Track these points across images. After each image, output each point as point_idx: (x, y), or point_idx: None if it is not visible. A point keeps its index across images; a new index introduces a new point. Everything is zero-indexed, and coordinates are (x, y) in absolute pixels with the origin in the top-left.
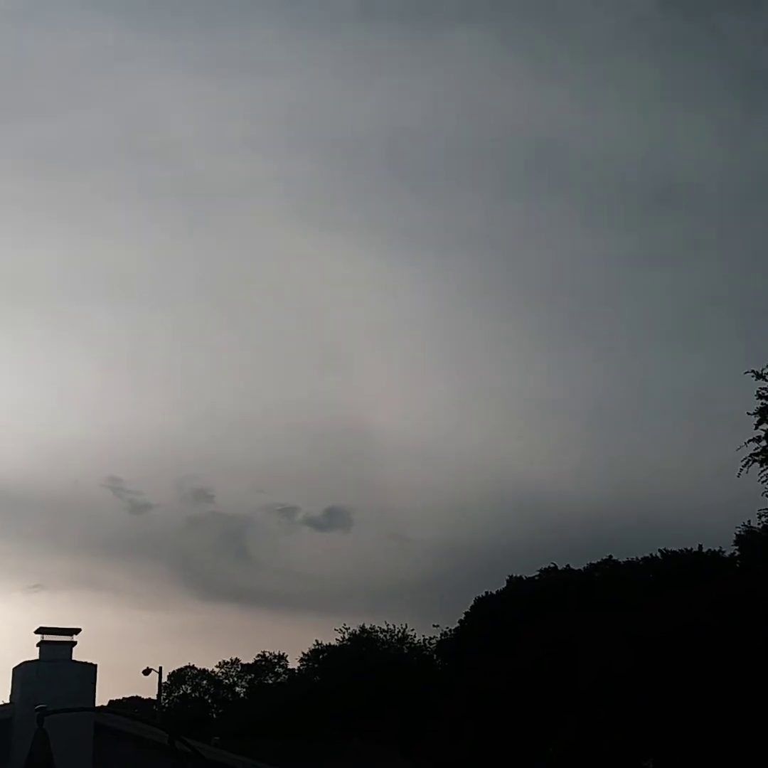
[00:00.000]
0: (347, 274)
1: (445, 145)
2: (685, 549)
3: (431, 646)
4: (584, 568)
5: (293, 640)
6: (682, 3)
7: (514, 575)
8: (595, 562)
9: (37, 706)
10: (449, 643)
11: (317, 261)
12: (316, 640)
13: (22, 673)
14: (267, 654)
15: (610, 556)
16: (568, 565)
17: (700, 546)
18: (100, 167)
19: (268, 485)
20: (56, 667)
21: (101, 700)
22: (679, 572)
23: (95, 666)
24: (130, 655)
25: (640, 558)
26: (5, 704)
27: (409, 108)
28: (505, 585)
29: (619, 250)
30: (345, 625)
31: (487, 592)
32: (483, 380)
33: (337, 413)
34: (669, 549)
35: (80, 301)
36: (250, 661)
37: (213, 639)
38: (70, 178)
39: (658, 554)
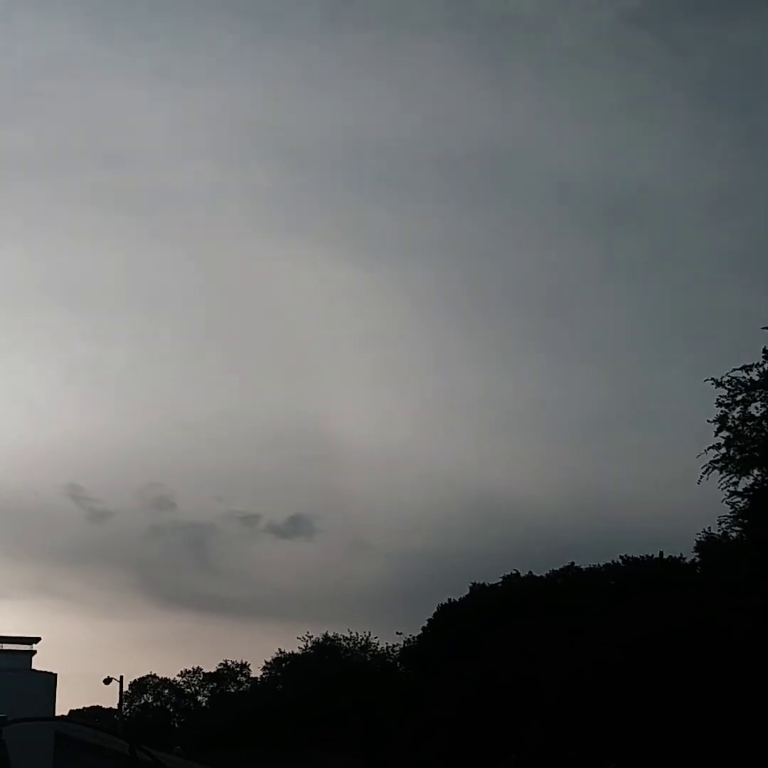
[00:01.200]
0: (312, 283)
1: (408, 156)
2: (646, 556)
3: (394, 654)
4: (547, 575)
5: (256, 649)
6: (644, 18)
7: (477, 582)
8: (557, 569)
9: None
10: (412, 650)
11: (282, 270)
12: (279, 649)
13: None
14: (229, 662)
15: (572, 563)
16: (530, 572)
17: (661, 553)
18: (62, 174)
19: (230, 493)
20: (16, 676)
21: (62, 709)
22: (640, 579)
23: (55, 675)
24: (90, 665)
25: (601, 565)
26: None
27: (373, 118)
28: (468, 592)
29: (580, 262)
30: (308, 633)
31: (450, 599)
32: (446, 390)
33: (301, 422)
34: (630, 556)
35: (40, 308)
36: (212, 670)
37: (174, 648)
38: (31, 184)
39: (620, 561)
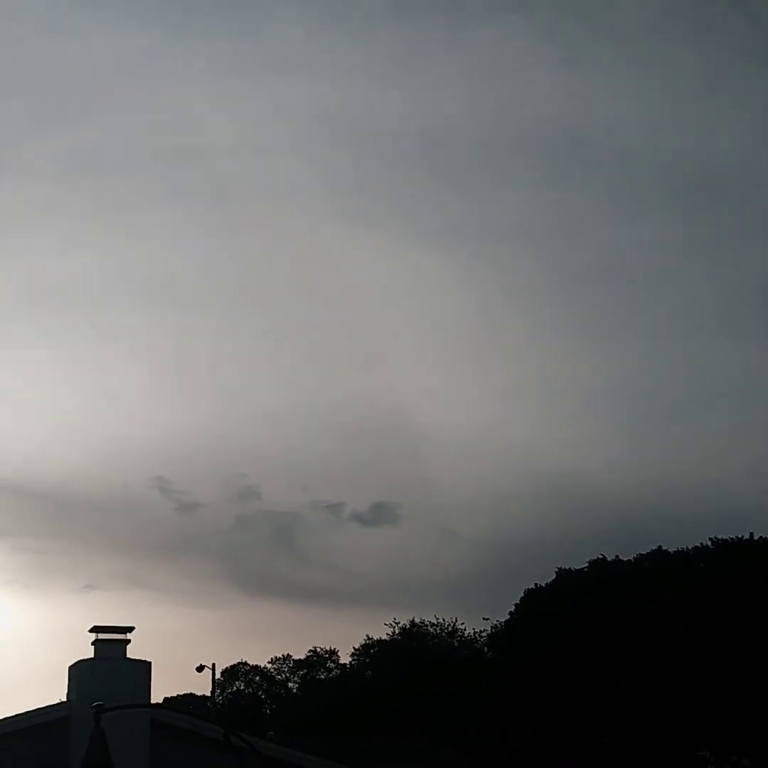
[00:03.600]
0: (386, 271)
1: (481, 140)
2: (736, 537)
3: (482, 639)
4: (634, 558)
5: (344, 635)
6: None
7: (562, 567)
8: (644, 552)
9: (94, 704)
10: (500, 635)
11: (356, 259)
12: (367, 635)
13: (77, 671)
14: (318, 649)
15: (660, 546)
16: (617, 556)
17: (751, 534)
18: (137, 172)
19: (314, 482)
20: (111, 665)
21: (156, 697)
22: (729, 561)
23: (150, 663)
24: (182, 653)
25: (689, 547)
26: (62, 702)
27: (444, 103)
28: (554, 577)
29: (660, 241)
30: (395, 619)
31: (536, 584)
32: (525, 373)
33: (380, 409)
34: (719, 537)
35: (123, 305)
36: (302, 657)
37: (264, 635)
38: (108, 184)
39: (709, 543)
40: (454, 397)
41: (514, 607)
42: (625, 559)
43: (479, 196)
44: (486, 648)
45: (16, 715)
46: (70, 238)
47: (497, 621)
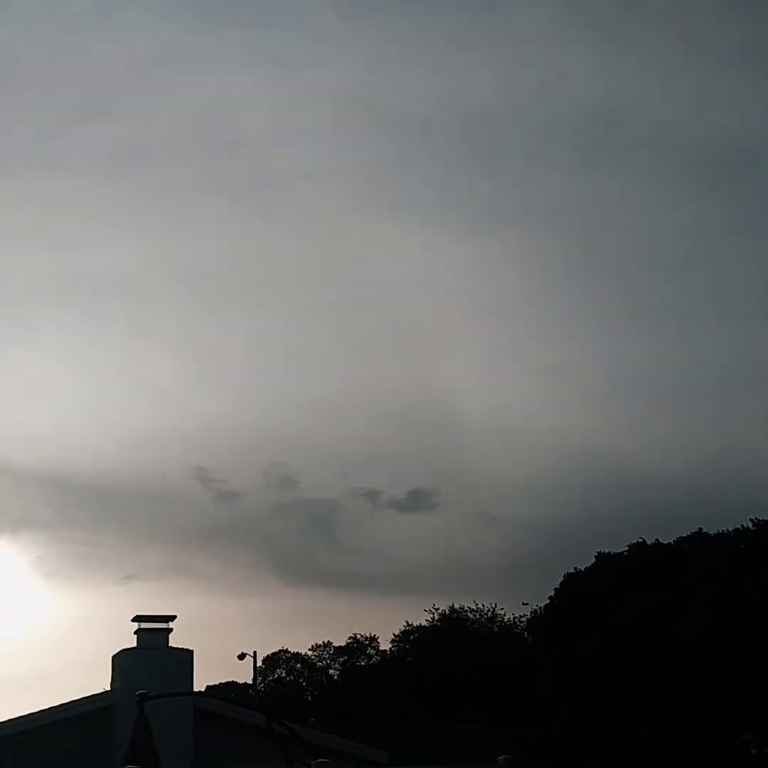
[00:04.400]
0: (424, 256)
1: (517, 122)
2: None
3: (521, 625)
4: (674, 541)
5: (383, 622)
6: None
7: (602, 551)
8: (684, 535)
9: (138, 692)
10: (539, 620)
11: (393, 244)
12: (407, 621)
13: (121, 660)
14: (358, 636)
15: (701, 529)
16: (657, 539)
17: None
18: (173, 163)
19: (352, 469)
20: (154, 653)
21: (198, 685)
22: None
23: (192, 652)
24: (224, 641)
25: (730, 529)
26: (106, 692)
27: (479, 85)
28: (594, 561)
29: (701, 220)
30: (434, 605)
31: (576, 569)
32: (563, 356)
33: (417, 396)
34: (760, 519)
35: (161, 296)
36: (342, 644)
37: (304, 623)
38: (144, 176)
39: (750, 524)
40: (491, 382)
41: (553, 591)
42: (666, 542)
43: (515, 179)
44: (526, 633)
45: (61, 704)
46: (108, 230)
47: (537, 606)
